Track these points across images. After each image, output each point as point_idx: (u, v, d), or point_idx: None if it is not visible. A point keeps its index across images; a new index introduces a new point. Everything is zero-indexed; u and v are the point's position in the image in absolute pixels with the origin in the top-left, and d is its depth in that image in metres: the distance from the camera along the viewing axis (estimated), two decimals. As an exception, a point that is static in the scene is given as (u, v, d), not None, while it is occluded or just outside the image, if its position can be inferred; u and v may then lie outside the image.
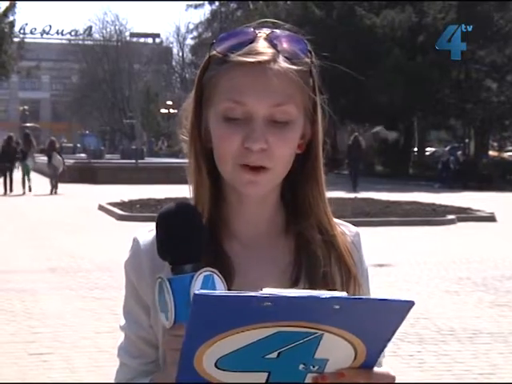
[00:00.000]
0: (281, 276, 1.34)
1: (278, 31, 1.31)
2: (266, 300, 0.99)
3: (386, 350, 1.15)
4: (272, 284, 1.21)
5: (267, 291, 1.02)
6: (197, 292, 1.00)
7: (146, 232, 1.35)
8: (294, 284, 1.33)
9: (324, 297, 1.01)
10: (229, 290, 1.16)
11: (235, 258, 1.33)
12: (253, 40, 1.28)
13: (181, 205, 1.22)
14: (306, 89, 1.30)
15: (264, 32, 1.30)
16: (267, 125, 1.25)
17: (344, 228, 1.42)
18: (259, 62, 1.25)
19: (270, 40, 1.28)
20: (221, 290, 1.14)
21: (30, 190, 24.83)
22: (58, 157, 25.98)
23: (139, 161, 32.53)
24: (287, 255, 1.37)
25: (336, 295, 1.03)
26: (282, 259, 1.36)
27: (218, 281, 1.16)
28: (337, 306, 1.01)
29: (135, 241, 1.37)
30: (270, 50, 1.27)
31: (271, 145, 1.25)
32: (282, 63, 1.27)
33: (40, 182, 26.94)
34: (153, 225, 1.26)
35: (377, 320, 1.05)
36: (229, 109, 1.26)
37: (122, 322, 1.39)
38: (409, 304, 1.04)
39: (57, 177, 25.13)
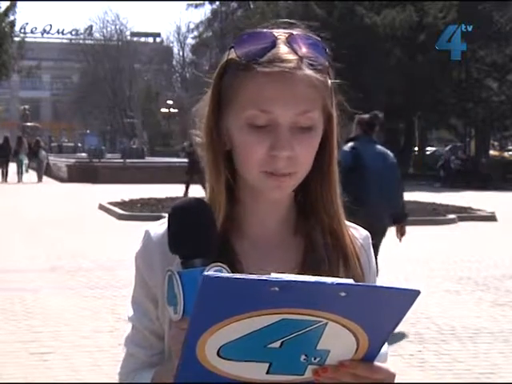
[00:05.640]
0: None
1: (294, 33, 1.29)
2: (273, 284, 0.99)
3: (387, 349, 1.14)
4: None
5: (275, 276, 1.02)
6: (206, 273, 1.00)
7: (158, 225, 1.35)
8: None
9: (330, 282, 1.01)
10: None
11: (245, 257, 1.33)
12: (273, 45, 1.27)
13: (194, 200, 1.23)
14: (326, 91, 1.30)
15: (282, 34, 1.29)
16: (292, 131, 1.25)
17: (354, 231, 1.42)
18: (284, 71, 1.25)
19: (290, 44, 1.27)
20: None
21: (21, 180, 30.08)
22: (43, 152, 32.61)
23: (133, 160, 33.20)
24: (296, 255, 1.36)
25: (343, 282, 1.03)
26: (291, 259, 1.36)
27: None
28: (343, 294, 1.01)
29: (147, 233, 1.37)
30: (293, 57, 1.26)
31: (297, 151, 1.25)
32: (306, 70, 1.26)
33: (30, 174, 31.50)
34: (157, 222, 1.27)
35: (382, 309, 1.05)
36: (254, 116, 1.25)
37: (130, 312, 1.40)
38: (415, 293, 1.04)
39: (42, 168, 31.33)
